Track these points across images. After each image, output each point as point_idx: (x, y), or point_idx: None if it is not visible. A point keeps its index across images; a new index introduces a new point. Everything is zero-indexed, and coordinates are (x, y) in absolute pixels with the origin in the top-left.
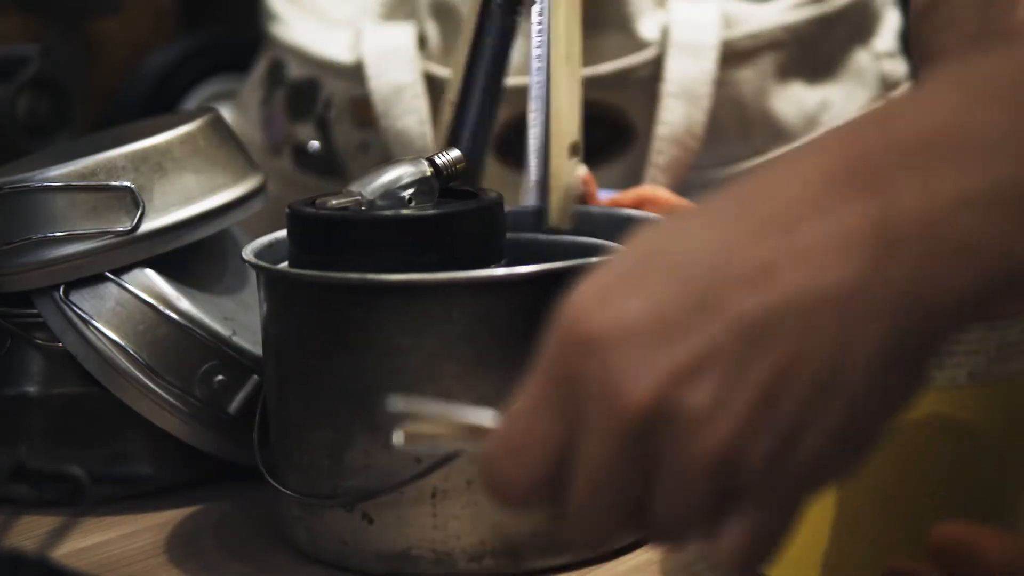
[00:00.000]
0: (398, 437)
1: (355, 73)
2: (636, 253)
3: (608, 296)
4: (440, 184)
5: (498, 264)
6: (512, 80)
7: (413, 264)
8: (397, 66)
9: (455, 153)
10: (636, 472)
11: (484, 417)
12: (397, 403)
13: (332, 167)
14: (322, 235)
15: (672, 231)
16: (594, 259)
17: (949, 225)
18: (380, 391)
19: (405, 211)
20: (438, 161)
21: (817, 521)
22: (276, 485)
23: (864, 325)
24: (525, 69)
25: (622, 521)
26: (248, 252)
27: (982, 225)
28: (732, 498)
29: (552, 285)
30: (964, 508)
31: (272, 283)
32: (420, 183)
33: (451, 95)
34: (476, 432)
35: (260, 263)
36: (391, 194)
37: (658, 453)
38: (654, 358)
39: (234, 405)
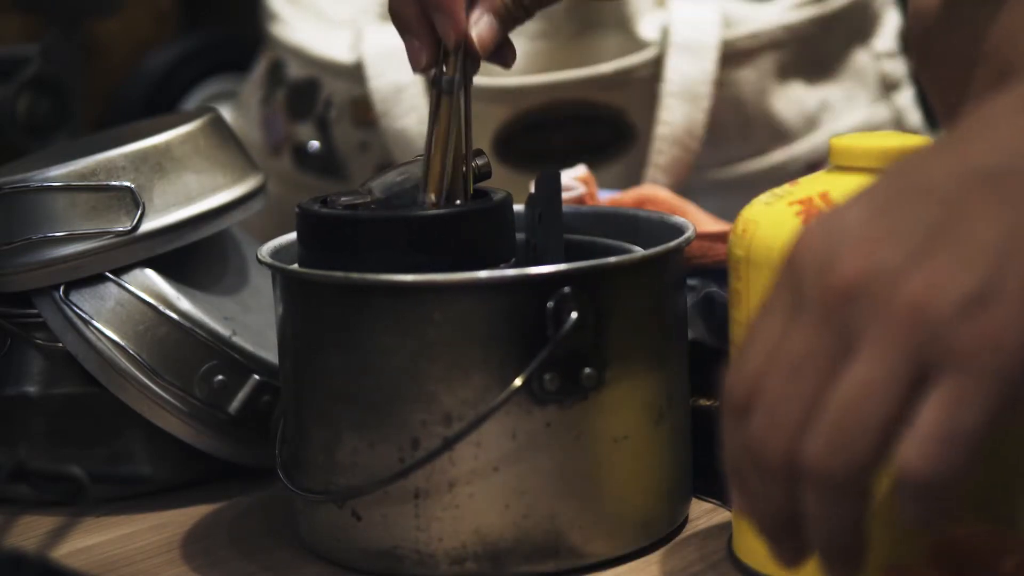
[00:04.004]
0: None
1: (355, 73)
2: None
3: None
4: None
5: (507, 264)
6: (512, 80)
7: (421, 263)
8: (397, 66)
9: (481, 157)
10: (835, 346)
11: None
12: None
13: (332, 167)
14: (329, 235)
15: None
16: (580, 263)
17: None
18: (365, 390)
19: (404, 211)
20: None
21: None
22: (284, 480)
23: None
24: (525, 69)
25: (804, 417)
26: (265, 250)
27: None
28: (930, 371)
29: (535, 288)
30: (965, 508)
31: (276, 280)
32: None
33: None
34: None
35: (265, 259)
36: (403, 193)
37: (857, 322)
38: (853, 238)
39: (234, 405)
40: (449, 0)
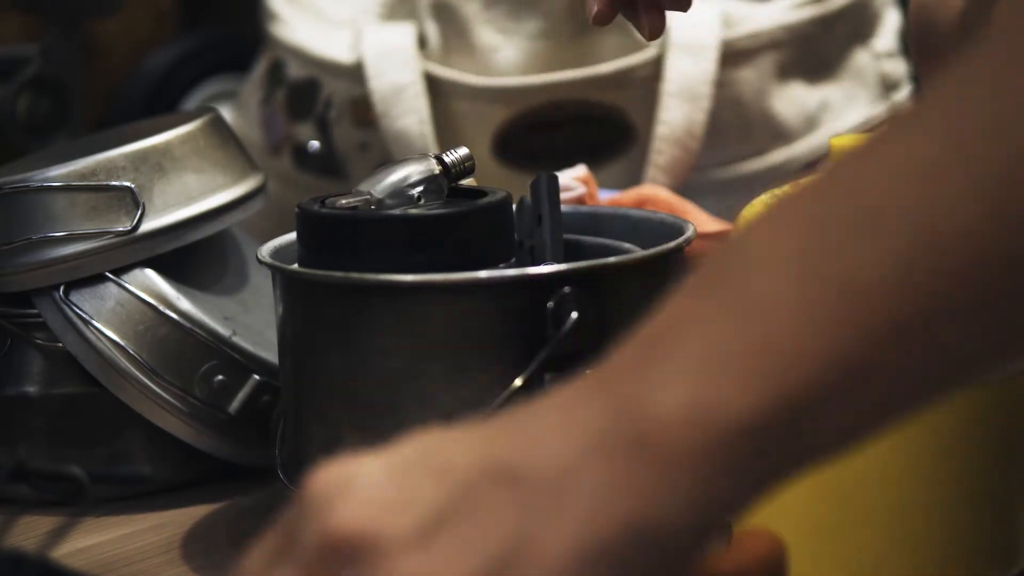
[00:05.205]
0: None
1: (355, 73)
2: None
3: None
4: (448, 182)
5: (507, 264)
6: (512, 80)
7: (421, 263)
8: (397, 66)
9: (463, 151)
10: None
11: None
12: None
13: (332, 167)
14: (329, 235)
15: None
16: (580, 263)
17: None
18: (365, 390)
19: (414, 210)
20: (446, 159)
21: (817, 517)
22: (284, 480)
23: (556, 512)
24: (525, 69)
25: None
26: (265, 250)
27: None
28: None
29: (535, 288)
30: (964, 509)
31: (276, 280)
32: (429, 181)
33: None
34: None
35: (265, 259)
36: (400, 193)
37: None
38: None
39: (234, 405)
40: None
